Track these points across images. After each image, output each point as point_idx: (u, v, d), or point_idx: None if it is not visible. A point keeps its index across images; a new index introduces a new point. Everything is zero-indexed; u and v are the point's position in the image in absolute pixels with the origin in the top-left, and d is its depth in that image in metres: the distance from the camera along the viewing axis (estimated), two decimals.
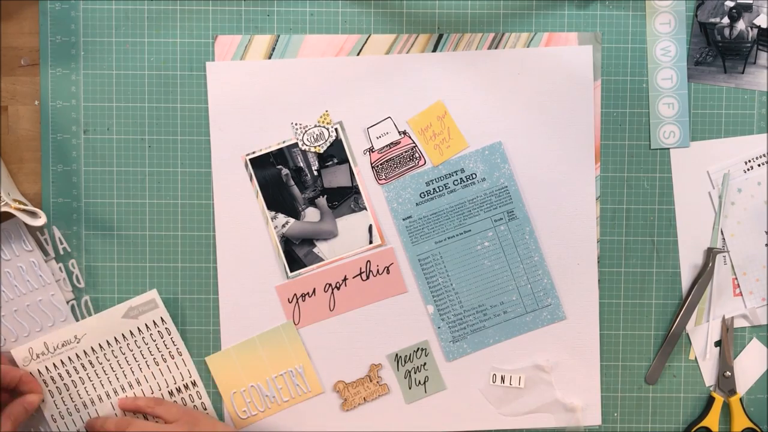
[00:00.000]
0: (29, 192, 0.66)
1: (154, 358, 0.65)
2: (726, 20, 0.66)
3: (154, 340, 0.65)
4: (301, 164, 0.66)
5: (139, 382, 0.65)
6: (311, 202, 0.66)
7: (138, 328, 0.65)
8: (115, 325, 0.64)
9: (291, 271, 0.66)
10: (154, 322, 0.65)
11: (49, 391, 0.65)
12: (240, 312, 0.66)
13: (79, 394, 0.65)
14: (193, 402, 0.65)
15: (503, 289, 0.67)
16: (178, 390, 0.65)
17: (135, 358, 0.65)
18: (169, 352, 0.65)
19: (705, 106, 0.66)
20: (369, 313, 0.67)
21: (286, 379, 0.67)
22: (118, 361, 0.65)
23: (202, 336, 0.67)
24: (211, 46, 0.65)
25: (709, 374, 0.68)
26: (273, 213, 0.66)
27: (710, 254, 0.66)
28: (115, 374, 0.65)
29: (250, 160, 0.66)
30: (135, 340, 0.65)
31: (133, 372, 0.65)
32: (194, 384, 0.65)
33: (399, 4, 0.65)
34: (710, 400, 0.67)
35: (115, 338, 0.65)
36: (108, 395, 0.65)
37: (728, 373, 0.67)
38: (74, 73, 0.65)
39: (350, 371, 0.67)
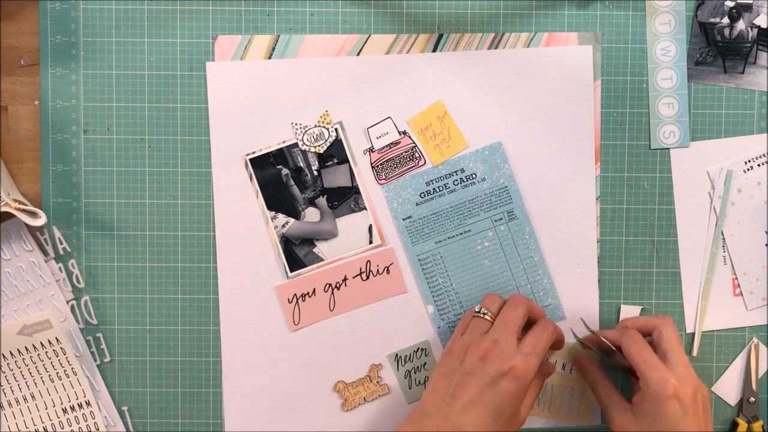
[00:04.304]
0: (29, 192, 0.66)
1: (50, 375, 0.65)
2: (726, 20, 0.66)
3: (50, 358, 0.65)
4: (301, 164, 0.66)
5: (33, 397, 0.65)
6: (311, 202, 0.66)
7: (33, 345, 0.65)
8: (10, 340, 0.65)
9: (291, 271, 0.66)
10: (48, 341, 0.65)
11: None
12: (240, 312, 0.66)
13: None
14: (86, 421, 0.66)
15: (503, 289, 0.67)
16: (72, 408, 0.66)
17: (30, 373, 0.65)
18: (64, 371, 0.65)
19: (705, 106, 0.66)
20: (369, 313, 0.67)
21: None
22: (14, 374, 0.65)
23: (202, 336, 0.67)
24: (211, 46, 0.65)
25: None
26: (273, 213, 0.66)
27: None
28: (11, 387, 0.65)
29: (250, 160, 0.66)
30: (30, 356, 0.65)
31: (28, 386, 0.65)
32: (88, 404, 0.66)
33: (399, 4, 0.65)
34: (734, 426, 0.66)
35: (11, 352, 0.65)
36: (2, 406, 0.65)
37: (753, 399, 0.66)
38: (74, 73, 0.65)
39: (350, 371, 0.67)
